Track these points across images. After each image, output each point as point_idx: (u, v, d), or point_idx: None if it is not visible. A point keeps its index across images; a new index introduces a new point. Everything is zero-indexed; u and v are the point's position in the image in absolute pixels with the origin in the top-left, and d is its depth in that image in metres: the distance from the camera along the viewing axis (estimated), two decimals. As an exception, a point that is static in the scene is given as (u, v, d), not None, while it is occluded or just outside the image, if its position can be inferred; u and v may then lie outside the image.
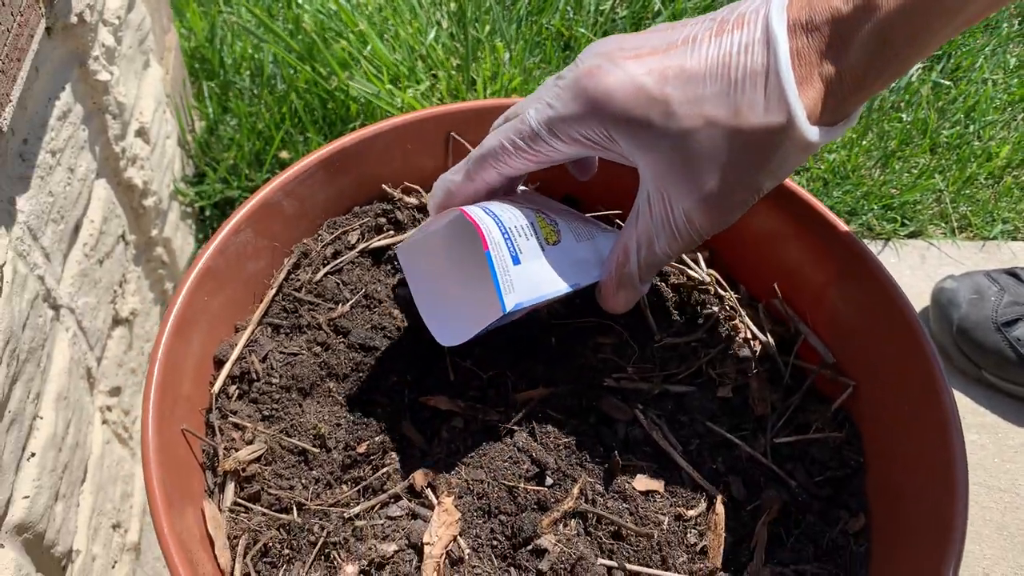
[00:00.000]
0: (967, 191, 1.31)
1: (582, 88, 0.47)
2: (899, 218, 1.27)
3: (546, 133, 0.49)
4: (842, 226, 0.60)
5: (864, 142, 1.34)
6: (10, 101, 0.54)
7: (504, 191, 0.56)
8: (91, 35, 0.76)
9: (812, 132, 0.45)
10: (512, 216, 0.51)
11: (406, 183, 0.68)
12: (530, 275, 0.50)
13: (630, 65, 0.46)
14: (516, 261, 0.49)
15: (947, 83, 1.44)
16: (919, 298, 1.18)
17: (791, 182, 0.63)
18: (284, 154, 1.18)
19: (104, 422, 0.82)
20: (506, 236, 0.49)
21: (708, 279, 0.65)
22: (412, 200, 0.67)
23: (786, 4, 0.44)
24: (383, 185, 0.67)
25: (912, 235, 1.27)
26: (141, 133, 0.90)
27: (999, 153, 1.36)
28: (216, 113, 1.22)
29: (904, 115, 1.39)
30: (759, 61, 0.44)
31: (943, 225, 1.29)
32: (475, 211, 0.49)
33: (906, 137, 1.35)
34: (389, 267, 0.64)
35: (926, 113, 1.38)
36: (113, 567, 0.83)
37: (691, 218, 0.49)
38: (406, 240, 0.53)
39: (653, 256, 0.52)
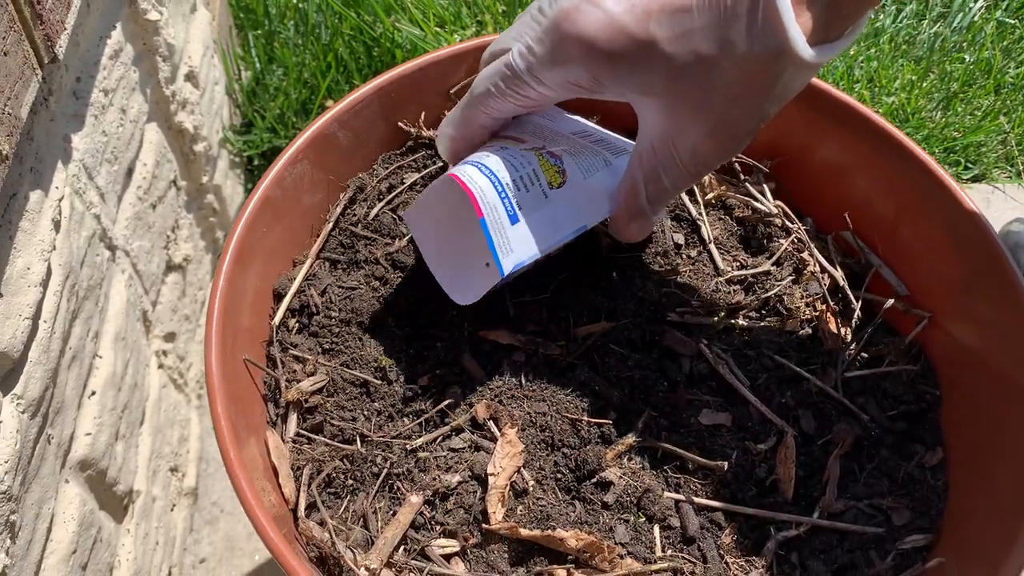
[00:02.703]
0: (1034, 133, 1.27)
1: (562, 34, 0.44)
2: (962, 161, 1.22)
3: (531, 79, 0.47)
4: (918, 150, 0.58)
5: (924, 84, 1.29)
6: (65, 29, 0.54)
7: (505, 124, 0.54)
8: (140, -27, 0.76)
9: (812, 54, 0.41)
10: (510, 167, 0.50)
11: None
12: (530, 230, 0.50)
13: (609, 3, 0.43)
14: (514, 219, 0.49)
15: (1012, 22, 1.38)
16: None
17: (863, 106, 0.60)
18: (330, 103, 1.17)
19: (160, 366, 0.83)
20: (502, 195, 0.48)
21: (775, 211, 0.63)
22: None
23: None
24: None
25: (976, 179, 1.23)
26: (190, 77, 0.90)
27: (1067, 94, 1.31)
28: (262, 63, 1.21)
29: (967, 55, 1.33)
30: None
31: (1008, 168, 1.24)
32: (468, 172, 0.49)
33: (969, 78, 1.30)
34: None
35: (990, 53, 1.33)
36: (172, 510, 0.83)
37: (697, 153, 0.46)
38: (411, 204, 0.53)
39: (662, 190, 0.50)
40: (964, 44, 1.36)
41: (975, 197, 1.21)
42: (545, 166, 0.51)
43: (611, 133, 0.57)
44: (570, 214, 0.51)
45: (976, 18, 1.38)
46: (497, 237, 0.48)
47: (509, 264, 0.49)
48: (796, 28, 0.40)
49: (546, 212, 0.50)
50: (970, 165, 1.22)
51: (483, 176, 0.49)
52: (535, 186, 0.50)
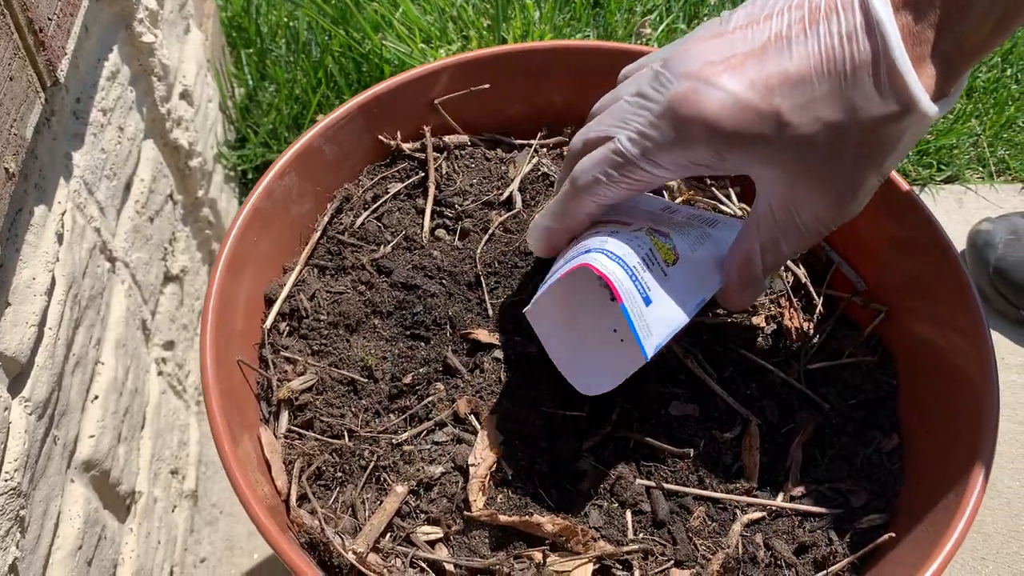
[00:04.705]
0: (1005, 135, 1.30)
1: (682, 117, 0.44)
2: (935, 163, 1.26)
3: (647, 164, 0.47)
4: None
5: (899, 89, 1.33)
6: (65, 54, 0.57)
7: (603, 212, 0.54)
8: (135, -2, 0.79)
9: (936, 110, 0.42)
10: (631, 249, 0.49)
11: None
12: (662, 311, 0.49)
13: (727, 81, 0.43)
14: (648, 301, 0.48)
15: (984, 27, 1.42)
16: (957, 243, 1.17)
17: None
18: (320, 117, 1.20)
19: (160, 373, 0.86)
20: (634, 279, 0.48)
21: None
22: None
23: None
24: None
25: (949, 180, 1.26)
26: (185, 95, 0.93)
27: (1038, 96, 1.34)
28: (255, 79, 1.25)
29: (940, 61, 1.37)
30: (866, 49, 0.41)
31: (981, 169, 1.28)
32: (598, 259, 0.48)
33: (942, 83, 1.34)
34: (427, 212, 0.66)
35: (962, 58, 1.37)
36: (173, 511, 0.87)
37: (821, 217, 0.47)
38: (532, 302, 0.52)
39: (780, 256, 0.50)
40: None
41: (948, 198, 1.25)
42: (658, 245, 0.51)
43: (694, 208, 0.58)
44: (689, 289, 0.51)
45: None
46: (637, 321, 0.47)
47: (651, 347, 0.48)
48: (920, 87, 0.41)
49: (669, 290, 0.50)
50: (943, 167, 1.26)
51: (612, 261, 0.48)
52: (655, 266, 0.50)
